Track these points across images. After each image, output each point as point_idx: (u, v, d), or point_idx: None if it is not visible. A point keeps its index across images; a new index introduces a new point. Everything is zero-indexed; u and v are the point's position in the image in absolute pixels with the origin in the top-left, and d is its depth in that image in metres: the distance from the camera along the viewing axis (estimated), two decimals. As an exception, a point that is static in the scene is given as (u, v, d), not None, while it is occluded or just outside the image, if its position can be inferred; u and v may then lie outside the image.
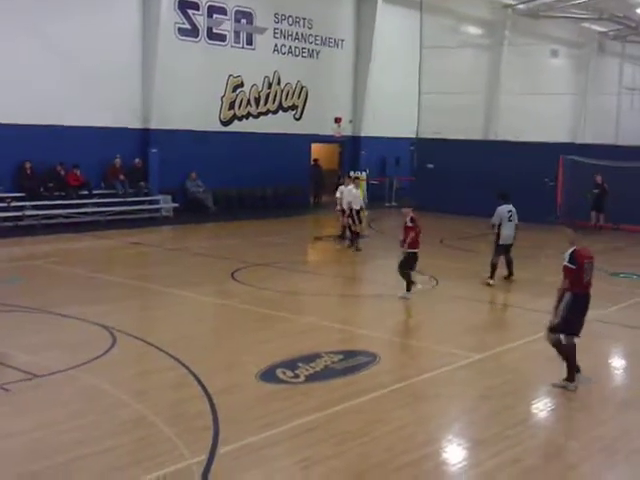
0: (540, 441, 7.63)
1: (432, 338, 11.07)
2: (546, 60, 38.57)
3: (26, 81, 20.94)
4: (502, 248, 15.16)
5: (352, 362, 9.72)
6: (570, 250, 8.84)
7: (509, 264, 15.39)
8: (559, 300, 8.87)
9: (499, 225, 15.12)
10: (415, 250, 13.46)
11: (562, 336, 8.90)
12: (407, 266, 13.41)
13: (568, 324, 8.82)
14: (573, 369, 8.97)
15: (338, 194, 19.80)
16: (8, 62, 20.62)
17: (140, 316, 12.61)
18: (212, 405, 7.97)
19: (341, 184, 20.26)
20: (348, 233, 19.42)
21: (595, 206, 24.03)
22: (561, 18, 36.01)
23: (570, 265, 8.73)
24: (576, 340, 8.92)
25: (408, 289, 13.37)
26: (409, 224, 13.43)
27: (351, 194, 19.23)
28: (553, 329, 8.91)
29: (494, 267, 14.95)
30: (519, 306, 11.86)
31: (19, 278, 14.36)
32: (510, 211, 15.19)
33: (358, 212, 19.06)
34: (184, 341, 10.39)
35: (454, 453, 7.31)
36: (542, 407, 8.71)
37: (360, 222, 19.16)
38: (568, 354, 8.93)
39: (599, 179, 24.01)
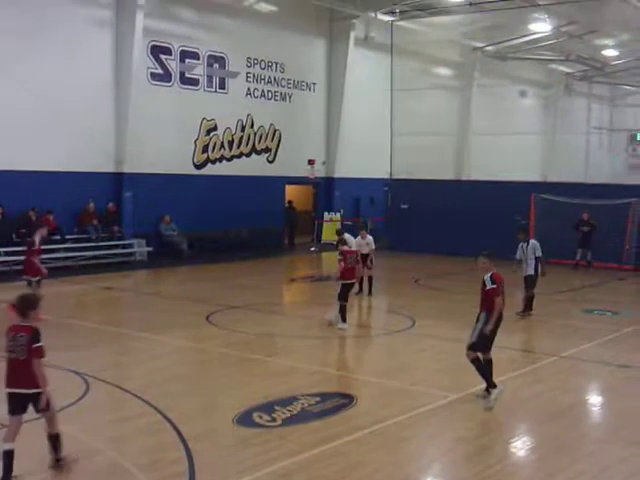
0: (519, 480, 7.59)
1: (409, 379, 11.03)
2: (515, 100, 39.33)
3: (-1, 125, 20.90)
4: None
5: (329, 404, 9.65)
6: (489, 274, 9.73)
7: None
8: (477, 321, 9.83)
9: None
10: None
11: (479, 354, 9.76)
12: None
13: (485, 341, 9.75)
14: (490, 379, 9.80)
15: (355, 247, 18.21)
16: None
17: (114, 362, 12.45)
18: (188, 451, 7.85)
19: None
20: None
21: (582, 243, 23.80)
22: (529, 60, 36.77)
23: (492, 285, 9.62)
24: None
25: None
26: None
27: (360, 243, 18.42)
28: (471, 347, 9.79)
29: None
30: (493, 344, 11.86)
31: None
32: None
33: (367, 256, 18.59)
34: (159, 386, 10.27)
35: (433, 495, 7.24)
36: (520, 446, 8.68)
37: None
38: (485, 370, 9.81)
39: (586, 216, 23.71)
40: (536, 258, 15.68)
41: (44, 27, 21.96)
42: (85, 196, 23.04)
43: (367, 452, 8.04)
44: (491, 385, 9.80)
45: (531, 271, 15.72)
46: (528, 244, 15.84)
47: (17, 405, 7.04)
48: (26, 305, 7.11)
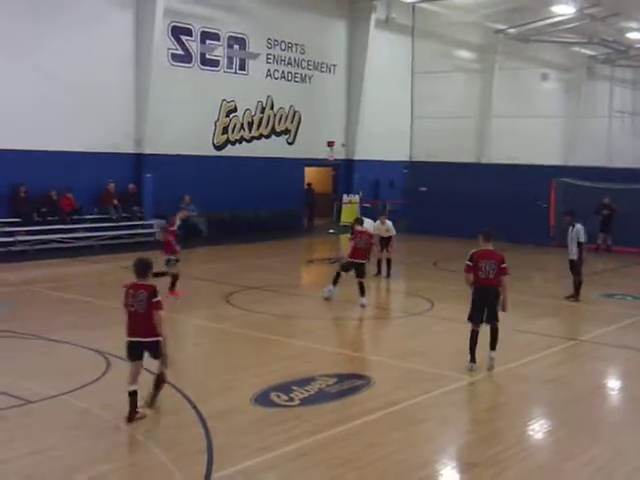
0: (535, 463, 7.61)
1: (426, 361, 11.06)
2: (537, 84, 38.93)
3: (20, 106, 21.04)
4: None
5: (346, 385, 9.71)
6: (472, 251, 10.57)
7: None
8: None
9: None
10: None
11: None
12: None
13: (469, 313, 10.52)
14: (471, 352, 10.41)
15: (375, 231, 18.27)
16: (2, 88, 20.73)
17: (134, 341, 12.55)
18: (206, 430, 7.94)
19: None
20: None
21: (603, 227, 23.70)
22: (551, 42, 36.38)
23: (466, 262, 10.50)
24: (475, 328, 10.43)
25: None
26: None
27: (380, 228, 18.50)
28: None
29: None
30: (512, 327, 11.86)
31: (10, 304, 14.31)
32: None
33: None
34: (178, 365, 10.32)
35: (449, 476, 7.30)
36: (537, 429, 8.71)
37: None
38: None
39: (607, 200, 23.60)
40: (579, 244, 15.35)
41: (63, 7, 22.04)
42: (106, 177, 23.20)
43: (383, 433, 8.09)
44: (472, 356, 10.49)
45: (573, 256, 15.48)
46: (574, 227, 15.47)
47: (136, 352, 8.12)
48: (144, 267, 8.28)
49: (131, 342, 8.16)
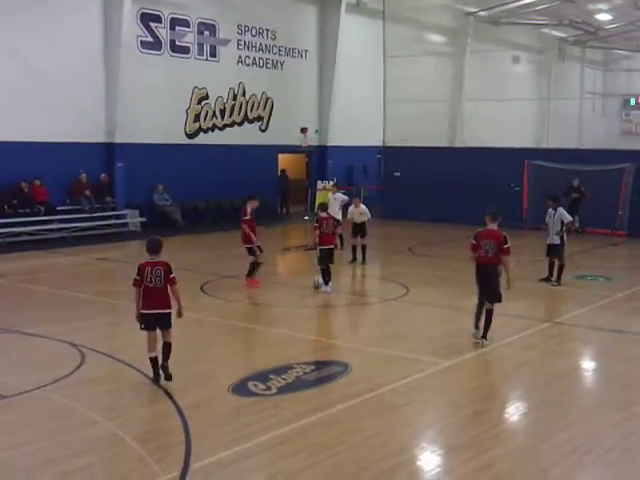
0: (513, 445, 7.66)
1: (403, 346, 11.08)
2: (508, 66, 39.10)
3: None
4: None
5: (324, 372, 9.71)
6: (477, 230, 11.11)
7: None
8: None
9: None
10: None
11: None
12: None
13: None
14: (476, 320, 11.12)
15: (350, 215, 18.75)
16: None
17: (108, 332, 12.47)
18: (184, 420, 7.89)
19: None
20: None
21: (571, 210, 23.76)
22: (522, 25, 36.48)
23: (471, 240, 11.03)
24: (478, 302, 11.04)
25: None
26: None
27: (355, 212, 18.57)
28: None
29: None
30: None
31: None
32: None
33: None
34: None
35: (428, 460, 7.32)
36: (513, 411, 8.77)
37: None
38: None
39: (576, 183, 23.59)
40: (562, 225, 15.43)
41: (31, -4, 21.69)
42: (77, 167, 22.91)
43: (362, 419, 8.10)
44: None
45: (554, 241, 15.55)
46: (556, 212, 15.54)
47: (151, 323, 8.93)
48: (157, 245, 9.07)
49: (149, 314, 8.91)
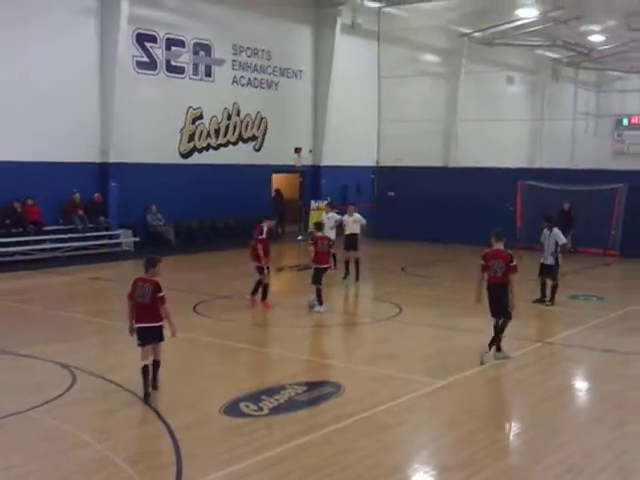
0: (506, 466, 7.64)
1: (396, 366, 11.05)
2: (502, 87, 39.36)
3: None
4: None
5: (316, 393, 9.67)
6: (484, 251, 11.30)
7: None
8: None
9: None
10: None
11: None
12: None
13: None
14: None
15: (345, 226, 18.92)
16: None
17: (101, 353, 12.43)
18: (175, 441, 7.84)
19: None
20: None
21: (564, 231, 23.50)
22: (516, 46, 36.77)
23: (480, 261, 11.19)
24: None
25: None
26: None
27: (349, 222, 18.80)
28: None
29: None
30: (480, 331, 11.92)
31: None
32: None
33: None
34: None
35: (420, 481, 7.28)
36: (506, 432, 8.75)
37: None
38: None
39: (567, 206, 22.90)
40: (557, 247, 15.44)
41: (28, 14, 21.72)
42: (71, 186, 22.87)
43: (355, 440, 8.06)
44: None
45: (548, 261, 15.58)
46: (551, 232, 15.57)
47: (145, 336, 9.19)
48: (150, 263, 9.35)
49: (140, 328, 9.21)
